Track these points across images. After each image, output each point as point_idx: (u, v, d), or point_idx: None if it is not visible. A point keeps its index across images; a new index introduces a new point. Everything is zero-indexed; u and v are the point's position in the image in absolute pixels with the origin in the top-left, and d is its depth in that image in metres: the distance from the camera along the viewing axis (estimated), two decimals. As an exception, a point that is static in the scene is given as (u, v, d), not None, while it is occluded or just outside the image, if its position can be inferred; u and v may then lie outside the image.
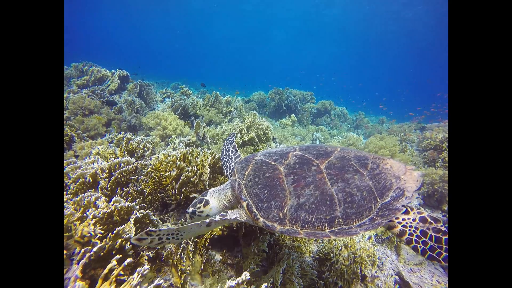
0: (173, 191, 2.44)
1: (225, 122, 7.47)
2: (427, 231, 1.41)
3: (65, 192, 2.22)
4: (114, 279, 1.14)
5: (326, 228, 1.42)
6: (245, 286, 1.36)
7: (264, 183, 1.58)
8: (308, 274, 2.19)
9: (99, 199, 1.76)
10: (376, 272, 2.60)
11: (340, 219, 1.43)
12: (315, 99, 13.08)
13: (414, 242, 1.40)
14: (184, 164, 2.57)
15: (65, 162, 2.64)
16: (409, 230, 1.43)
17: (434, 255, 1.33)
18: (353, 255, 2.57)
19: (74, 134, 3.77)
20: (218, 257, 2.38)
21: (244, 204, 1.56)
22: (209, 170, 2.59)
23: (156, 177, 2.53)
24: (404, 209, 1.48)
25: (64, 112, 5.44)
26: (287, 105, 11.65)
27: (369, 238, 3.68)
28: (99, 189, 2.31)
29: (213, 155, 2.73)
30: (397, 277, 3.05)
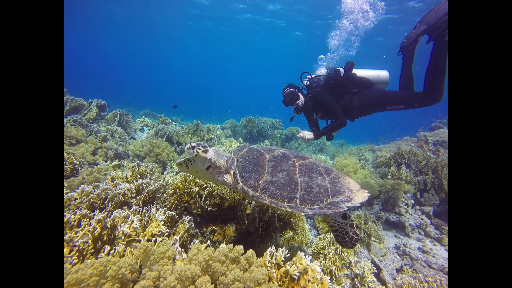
0: (197, 205, 2.90)
1: (208, 148, 7.95)
2: (349, 232, 2.08)
3: (104, 210, 2.53)
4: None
5: (285, 202, 1.85)
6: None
7: (251, 161, 2.06)
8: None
9: (158, 211, 2.21)
10: (357, 259, 3.32)
11: (297, 200, 1.86)
12: (283, 126, 14.40)
13: (337, 232, 2.11)
14: (202, 182, 3.07)
15: (90, 186, 2.91)
16: (338, 227, 2.11)
17: (343, 243, 2.10)
18: (340, 247, 3.27)
19: (77, 162, 3.93)
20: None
21: (232, 172, 2.02)
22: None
23: (178, 194, 2.97)
24: (346, 208, 1.90)
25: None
26: (259, 131, 12.66)
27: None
28: (134, 206, 2.67)
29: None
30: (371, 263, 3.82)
